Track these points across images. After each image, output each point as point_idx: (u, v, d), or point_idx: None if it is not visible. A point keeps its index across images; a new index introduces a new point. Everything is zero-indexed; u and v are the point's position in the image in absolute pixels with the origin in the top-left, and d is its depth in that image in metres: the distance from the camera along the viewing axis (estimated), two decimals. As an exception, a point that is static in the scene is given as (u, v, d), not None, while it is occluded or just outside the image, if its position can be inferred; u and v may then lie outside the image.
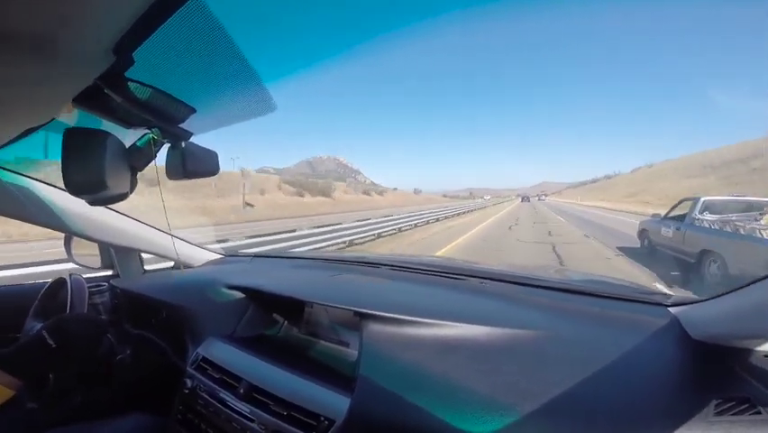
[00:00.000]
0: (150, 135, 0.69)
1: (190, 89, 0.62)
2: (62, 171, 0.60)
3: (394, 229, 13.37)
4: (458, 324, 0.94)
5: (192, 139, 0.77)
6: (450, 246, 9.62)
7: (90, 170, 0.59)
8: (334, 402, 0.89)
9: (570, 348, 0.84)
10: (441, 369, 0.83)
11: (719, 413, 0.63)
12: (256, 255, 1.97)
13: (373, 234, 11.67)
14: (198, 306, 1.36)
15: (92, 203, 0.68)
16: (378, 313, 1.01)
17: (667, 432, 0.62)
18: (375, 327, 0.99)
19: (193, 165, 0.72)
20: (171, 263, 1.84)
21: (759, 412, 0.63)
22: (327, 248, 8.74)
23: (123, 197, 0.67)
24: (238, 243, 7.56)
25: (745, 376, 0.71)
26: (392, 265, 1.54)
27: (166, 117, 0.65)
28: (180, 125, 0.70)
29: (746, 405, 0.64)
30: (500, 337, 0.89)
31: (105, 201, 0.67)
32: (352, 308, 1.07)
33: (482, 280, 1.27)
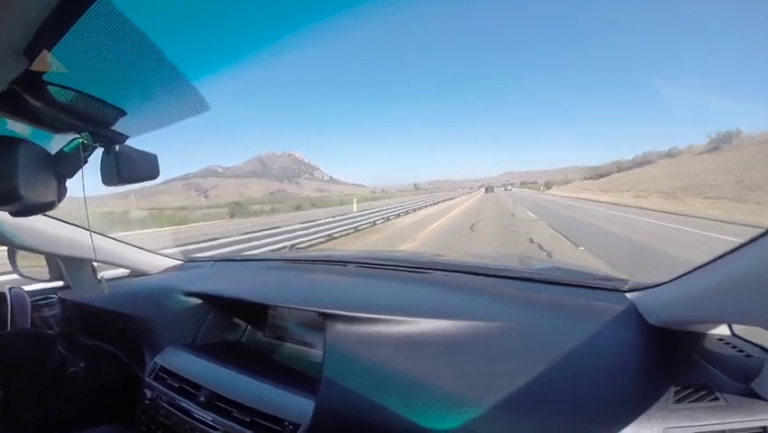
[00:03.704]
0: (80, 140, 0.65)
1: (116, 91, 0.59)
2: None
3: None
4: (422, 319, 0.94)
5: (129, 142, 0.74)
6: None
7: (1, 180, 0.56)
8: (299, 406, 0.88)
9: (531, 339, 0.85)
10: (405, 367, 0.83)
11: (679, 400, 0.64)
12: (218, 260, 1.92)
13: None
14: (155, 315, 1.31)
15: (14, 214, 0.64)
16: (341, 312, 1.00)
17: (628, 421, 0.62)
18: (339, 327, 0.98)
19: (128, 170, 0.69)
20: (127, 272, 1.77)
21: (717, 398, 0.64)
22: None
23: (49, 206, 0.64)
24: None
25: (701, 361, 0.72)
26: (359, 262, 1.54)
27: (93, 121, 0.62)
28: (112, 128, 0.67)
29: (705, 391, 0.65)
30: (464, 331, 0.90)
31: (28, 211, 0.63)
32: (315, 309, 1.06)
33: (446, 273, 1.28)
